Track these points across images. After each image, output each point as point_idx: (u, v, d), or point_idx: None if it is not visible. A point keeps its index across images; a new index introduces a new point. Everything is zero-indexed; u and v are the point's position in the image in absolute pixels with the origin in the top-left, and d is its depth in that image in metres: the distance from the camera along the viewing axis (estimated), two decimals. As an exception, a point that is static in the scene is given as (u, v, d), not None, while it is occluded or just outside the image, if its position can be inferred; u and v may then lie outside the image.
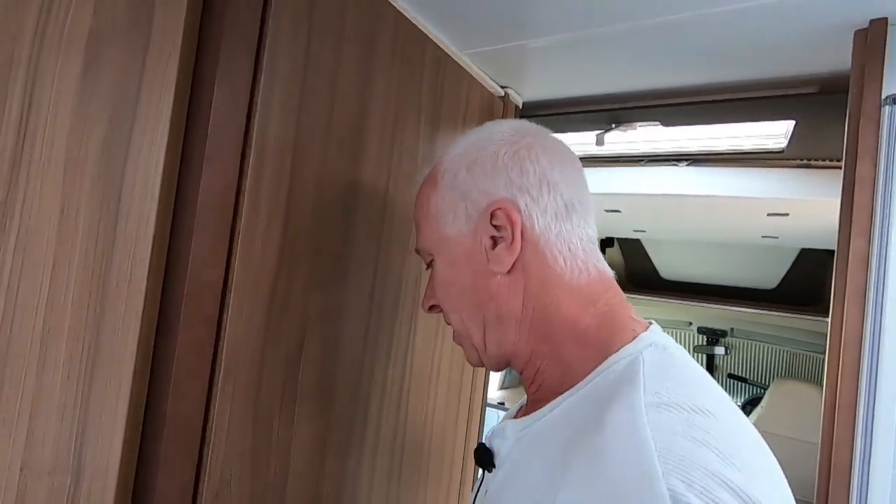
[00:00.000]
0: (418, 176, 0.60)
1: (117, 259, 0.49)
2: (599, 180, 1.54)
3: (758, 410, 2.51)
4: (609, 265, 0.49)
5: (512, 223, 0.45)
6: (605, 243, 2.66)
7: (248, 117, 0.56)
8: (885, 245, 0.61)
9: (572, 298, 0.45)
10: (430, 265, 0.53)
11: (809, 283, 2.39)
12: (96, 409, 0.48)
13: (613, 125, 1.12)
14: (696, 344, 3.31)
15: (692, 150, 1.35)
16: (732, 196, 1.41)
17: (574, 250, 0.46)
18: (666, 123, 1.10)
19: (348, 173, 0.70)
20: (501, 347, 0.48)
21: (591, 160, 1.47)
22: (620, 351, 0.40)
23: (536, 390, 0.47)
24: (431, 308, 0.54)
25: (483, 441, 0.49)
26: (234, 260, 0.57)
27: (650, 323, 0.46)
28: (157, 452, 0.52)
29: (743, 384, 3.17)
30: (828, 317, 0.70)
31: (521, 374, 0.49)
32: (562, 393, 0.42)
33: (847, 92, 0.70)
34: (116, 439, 0.50)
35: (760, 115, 1.01)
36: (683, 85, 0.97)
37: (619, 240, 2.66)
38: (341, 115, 0.68)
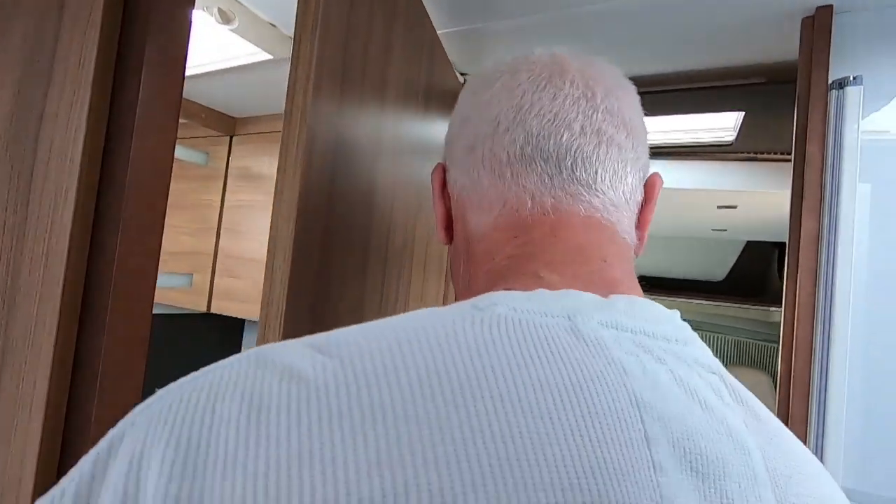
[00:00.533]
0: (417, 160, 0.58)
1: (30, 242, 0.43)
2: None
3: (709, 398, 2.61)
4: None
5: (434, 186, 0.41)
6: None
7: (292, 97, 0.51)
8: (833, 224, 0.63)
9: (480, 255, 0.35)
10: None
11: (754, 274, 2.51)
12: (6, 413, 0.42)
13: (572, 116, 1.13)
14: (650, 336, 3.42)
15: (648, 143, 1.38)
16: (685, 189, 1.45)
17: (481, 188, 0.35)
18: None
19: (370, 157, 0.66)
20: None
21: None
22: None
23: None
24: None
25: None
26: (283, 257, 0.52)
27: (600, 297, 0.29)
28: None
29: (694, 374, 3.30)
30: (772, 307, 0.72)
31: None
32: None
33: (795, 81, 0.72)
34: (31, 448, 0.44)
35: (711, 106, 1.03)
36: (638, 74, 0.98)
37: (578, 236, 2.71)
38: (369, 93, 0.64)
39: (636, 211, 0.36)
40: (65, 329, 0.46)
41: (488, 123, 0.35)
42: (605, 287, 0.31)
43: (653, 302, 0.31)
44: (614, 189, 0.34)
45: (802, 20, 0.70)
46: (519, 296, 0.28)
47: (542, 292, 0.28)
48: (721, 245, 2.45)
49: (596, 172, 0.34)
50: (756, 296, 2.58)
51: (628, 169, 0.35)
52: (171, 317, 1.65)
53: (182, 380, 0.25)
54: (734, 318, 2.88)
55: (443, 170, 0.41)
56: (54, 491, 0.22)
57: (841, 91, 0.63)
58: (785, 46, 0.78)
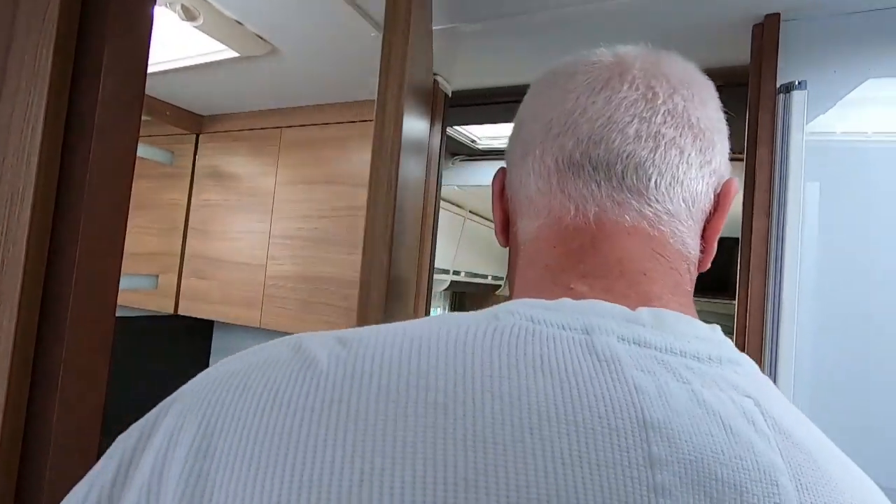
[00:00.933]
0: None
1: (-15, 245, 0.42)
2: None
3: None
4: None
5: (493, 189, 0.41)
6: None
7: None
8: (781, 222, 0.67)
9: (523, 264, 0.35)
10: None
11: (718, 269, 2.61)
12: (-39, 421, 0.41)
13: (541, 116, 1.15)
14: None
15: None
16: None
17: (530, 194, 0.35)
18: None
19: (406, 163, 0.69)
20: None
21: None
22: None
23: None
24: None
25: None
26: (380, 264, 0.53)
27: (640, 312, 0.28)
28: (41, 472, 0.45)
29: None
30: (733, 300, 0.75)
31: None
32: None
33: (747, 85, 0.76)
34: (-11, 455, 0.43)
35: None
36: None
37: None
38: (414, 97, 0.67)
39: (701, 220, 0.34)
40: (23, 334, 0.45)
41: (541, 128, 0.34)
42: (641, 302, 0.29)
43: (688, 317, 0.29)
44: (671, 196, 0.32)
45: (753, 27, 0.74)
46: (540, 305, 0.28)
47: (564, 302, 0.28)
48: (686, 241, 2.53)
49: (650, 179, 0.31)
50: (720, 290, 2.68)
51: (692, 174, 0.32)
52: (136, 319, 1.61)
53: (231, 357, 0.27)
54: (700, 311, 2.98)
55: (504, 173, 0.40)
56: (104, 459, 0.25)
57: (787, 95, 0.66)
58: (738, 51, 0.81)
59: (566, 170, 0.32)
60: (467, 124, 1.34)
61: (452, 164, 1.68)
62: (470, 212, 2.31)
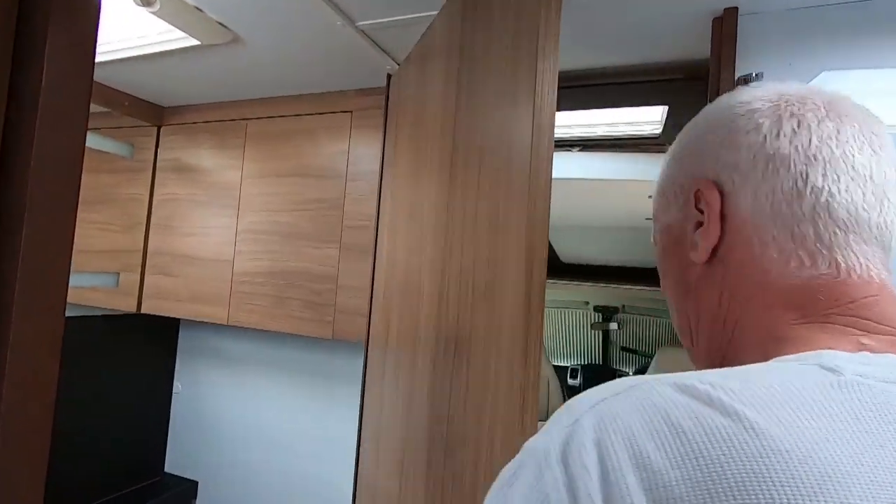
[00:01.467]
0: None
1: (-84, 240, 0.39)
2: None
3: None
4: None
5: (709, 206, 0.40)
6: (510, 230, 2.77)
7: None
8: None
9: (772, 300, 0.36)
10: None
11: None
12: None
13: (510, 108, 1.16)
14: (592, 321, 3.58)
15: (582, 136, 1.44)
16: (617, 179, 1.52)
17: (802, 236, 0.36)
18: (556, 108, 1.15)
19: None
20: (708, 354, 0.42)
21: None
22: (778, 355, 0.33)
23: None
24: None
25: None
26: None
27: None
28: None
29: (633, 355, 3.50)
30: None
31: None
32: None
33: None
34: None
35: (638, 100, 1.09)
36: (571, 68, 1.02)
37: (522, 226, 2.78)
38: None
39: None
40: (-38, 334, 0.42)
41: (822, 174, 0.36)
42: None
43: None
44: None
45: (713, 20, 0.75)
46: (853, 358, 0.30)
47: (868, 356, 0.30)
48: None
49: (891, 242, 0.36)
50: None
51: None
52: (97, 318, 1.55)
53: (615, 388, 0.29)
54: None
55: (718, 192, 0.40)
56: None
57: (745, 86, 0.68)
58: (701, 45, 0.83)
59: (855, 227, 0.35)
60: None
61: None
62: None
